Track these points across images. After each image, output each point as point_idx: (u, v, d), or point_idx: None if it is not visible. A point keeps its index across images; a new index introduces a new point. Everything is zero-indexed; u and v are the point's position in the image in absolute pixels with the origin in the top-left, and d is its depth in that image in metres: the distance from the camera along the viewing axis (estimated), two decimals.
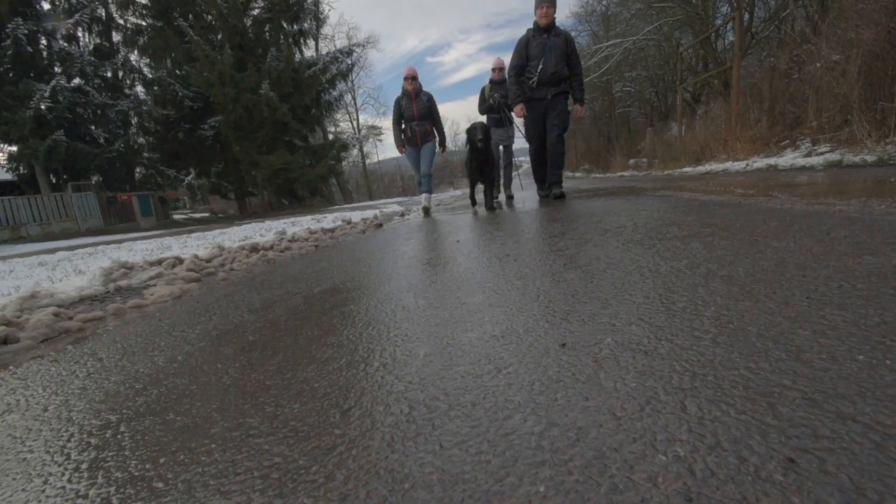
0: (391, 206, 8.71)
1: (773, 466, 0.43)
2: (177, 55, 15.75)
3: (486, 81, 6.03)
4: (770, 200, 2.24)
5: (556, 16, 4.47)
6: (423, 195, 5.97)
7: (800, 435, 0.47)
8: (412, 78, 5.63)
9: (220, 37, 16.29)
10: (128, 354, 1.20)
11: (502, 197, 6.20)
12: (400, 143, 5.90)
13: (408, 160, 6.08)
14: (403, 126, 5.79)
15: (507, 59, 4.96)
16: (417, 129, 5.68)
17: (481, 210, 4.67)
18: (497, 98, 5.72)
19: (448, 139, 6.79)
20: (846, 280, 0.91)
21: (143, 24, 16.12)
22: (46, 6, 14.10)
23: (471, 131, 4.48)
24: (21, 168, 13.33)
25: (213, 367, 0.99)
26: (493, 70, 5.87)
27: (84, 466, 0.66)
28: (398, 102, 5.77)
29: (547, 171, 4.84)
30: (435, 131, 5.93)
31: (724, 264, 1.14)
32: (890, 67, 4.78)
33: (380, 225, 4.72)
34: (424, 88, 5.81)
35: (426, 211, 5.71)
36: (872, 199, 1.89)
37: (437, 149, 6.02)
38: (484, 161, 4.59)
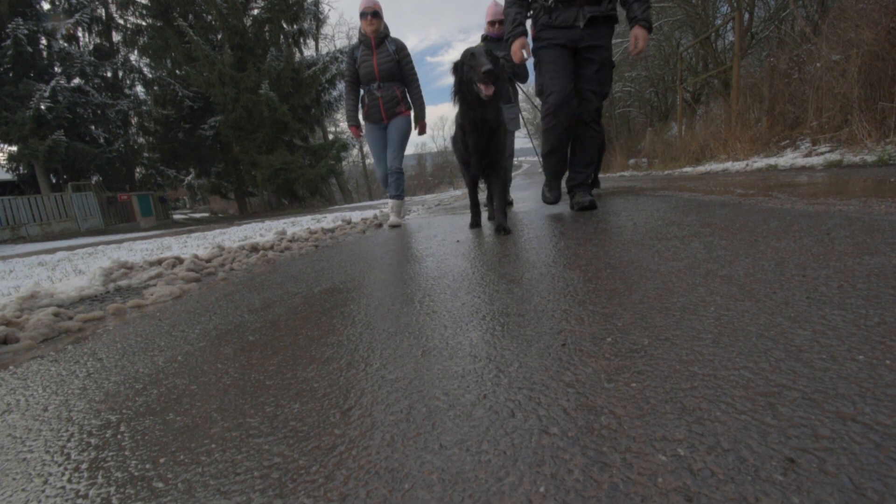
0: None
1: (773, 466, 0.43)
2: (177, 55, 15.76)
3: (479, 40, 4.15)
4: (770, 200, 2.24)
5: None
6: (392, 201, 4.05)
7: (800, 435, 0.47)
8: (373, 14, 3.55)
9: (220, 37, 16.30)
10: (128, 354, 1.20)
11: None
12: (353, 122, 3.84)
13: (369, 146, 3.98)
14: (362, 93, 3.79)
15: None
16: (380, 96, 3.65)
17: (486, 230, 2.61)
18: (502, 62, 3.77)
19: (443, 140, 4.69)
20: (846, 280, 0.91)
21: (143, 24, 16.13)
22: (46, 6, 14.12)
23: (465, 64, 2.25)
24: (21, 168, 13.35)
25: (213, 367, 0.99)
26: (489, 23, 3.98)
27: (84, 466, 0.66)
28: (352, 55, 3.72)
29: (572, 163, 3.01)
30: (408, 99, 3.78)
31: (724, 264, 1.14)
32: (890, 67, 4.78)
33: (380, 225, 4.72)
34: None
35: (396, 225, 3.87)
36: (872, 199, 1.89)
37: (413, 128, 3.86)
38: (491, 132, 2.35)
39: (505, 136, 2.48)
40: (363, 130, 3.98)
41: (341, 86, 19.42)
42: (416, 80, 3.79)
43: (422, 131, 3.94)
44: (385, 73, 3.63)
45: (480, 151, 2.43)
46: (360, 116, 3.94)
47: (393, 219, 4.06)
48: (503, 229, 2.32)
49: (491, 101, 2.24)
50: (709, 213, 2.06)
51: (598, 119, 2.84)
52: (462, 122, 2.40)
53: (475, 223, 2.81)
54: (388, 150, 3.84)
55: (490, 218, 3.09)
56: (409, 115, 3.85)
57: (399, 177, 3.95)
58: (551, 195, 3.10)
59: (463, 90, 2.29)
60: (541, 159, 3.21)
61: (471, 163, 2.52)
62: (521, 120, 4.37)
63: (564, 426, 0.55)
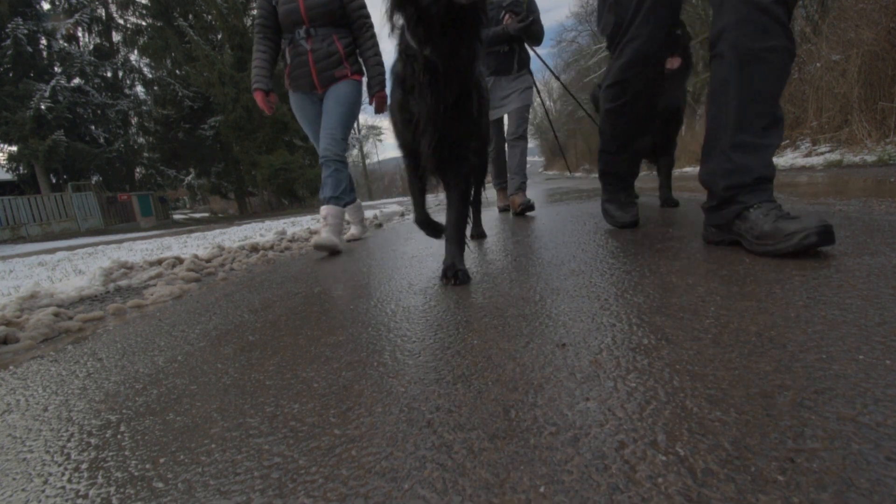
0: (391, 206, 8.71)
1: (773, 466, 0.43)
2: (177, 55, 15.79)
3: None
4: None
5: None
6: (325, 207, 2.50)
7: (800, 435, 0.47)
8: None
9: (220, 37, 16.32)
10: (128, 354, 1.20)
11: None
12: (260, 82, 2.51)
13: (301, 125, 2.75)
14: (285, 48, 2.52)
15: None
16: (309, 49, 2.38)
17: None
18: (512, 21, 2.84)
19: None
20: (846, 280, 0.91)
21: (143, 24, 16.17)
22: (46, 6, 14.14)
23: None
24: (21, 168, 13.36)
25: (213, 367, 0.99)
26: None
27: (84, 466, 0.66)
28: None
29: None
30: (357, 57, 2.54)
31: (724, 264, 1.14)
32: (890, 67, 4.79)
33: (380, 225, 4.72)
34: None
35: (326, 246, 2.41)
36: (872, 199, 1.89)
37: (369, 102, 2.62)
38: (460, 93, 1.23)
39: (482, 102, 1.41)
40: (291, 101, 2.66)
41: None
42: (370, 26, 2.45)
43: (379, 108, 2.58)
44: (316, 11, 2.32)
45: (439, 130, 1.28)
46: (268, 80, 2.55)
47: (323, 236, 2.46)
48: (454, 271, 1.38)
49: (466, 22, 1.13)
50: None
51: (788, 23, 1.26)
52: (405, 70, 1.26)
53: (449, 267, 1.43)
54: (322, 125, 2.47)
55: (474, 236, 2.23)
56: (359, 80, 2.54)
57: (343, 164, 2.49)
58: (626, 213, 1.88)
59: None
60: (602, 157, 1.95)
61: (420, 151, 1.36)
62: (534, 91, 3.28)
63: (563, 425, 0.55)
